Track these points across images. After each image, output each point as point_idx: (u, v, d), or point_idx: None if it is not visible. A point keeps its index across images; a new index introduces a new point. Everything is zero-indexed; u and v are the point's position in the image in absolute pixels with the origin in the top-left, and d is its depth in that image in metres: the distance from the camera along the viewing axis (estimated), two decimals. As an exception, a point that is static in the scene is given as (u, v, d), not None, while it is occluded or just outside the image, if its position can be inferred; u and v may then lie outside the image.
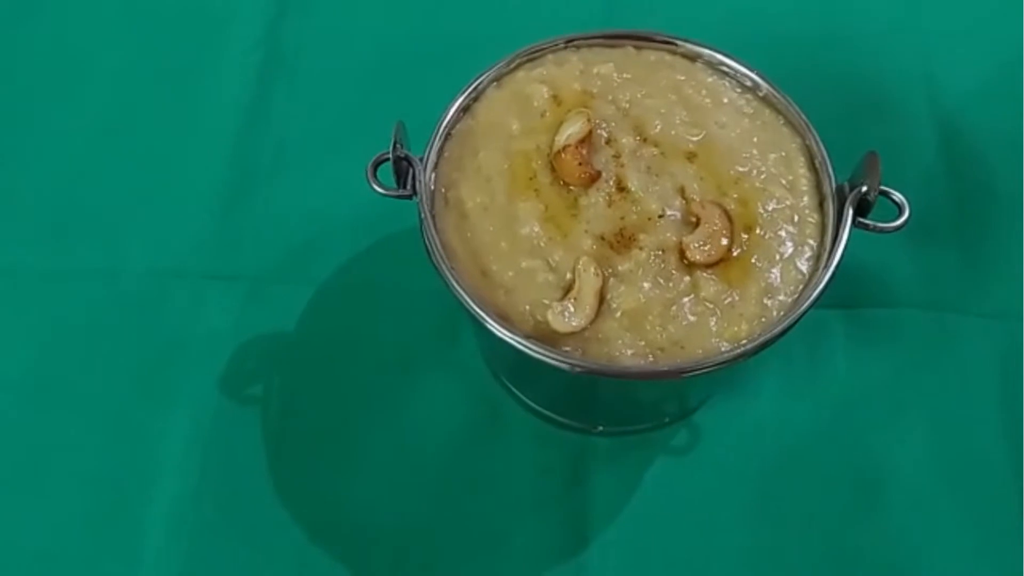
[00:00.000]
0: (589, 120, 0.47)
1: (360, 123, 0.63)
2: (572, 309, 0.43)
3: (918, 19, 0.70)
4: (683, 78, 0.50)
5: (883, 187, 0.45)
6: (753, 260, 0.45)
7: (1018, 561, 0.52)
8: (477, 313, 0.43)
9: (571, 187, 0.46)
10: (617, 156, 0.47)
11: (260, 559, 0.53)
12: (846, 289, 0.57)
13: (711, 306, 0.44)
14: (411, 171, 0.46)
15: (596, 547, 0.53)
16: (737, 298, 0.44)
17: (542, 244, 0.45)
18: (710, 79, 0.51)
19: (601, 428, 0.56)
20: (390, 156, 0.45)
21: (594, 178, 0.46)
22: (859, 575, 0.53)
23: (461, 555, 0.53)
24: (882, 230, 0.45)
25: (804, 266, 0.45)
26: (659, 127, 0.48)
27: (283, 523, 0.53)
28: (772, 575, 0.53)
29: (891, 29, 0.70)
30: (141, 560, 0.52)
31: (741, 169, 0.47)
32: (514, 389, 0.56)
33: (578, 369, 0.42)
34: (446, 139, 0.48)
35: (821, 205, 0.47)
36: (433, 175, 0.47)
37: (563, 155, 0.46)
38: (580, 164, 0.46)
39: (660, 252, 0.45)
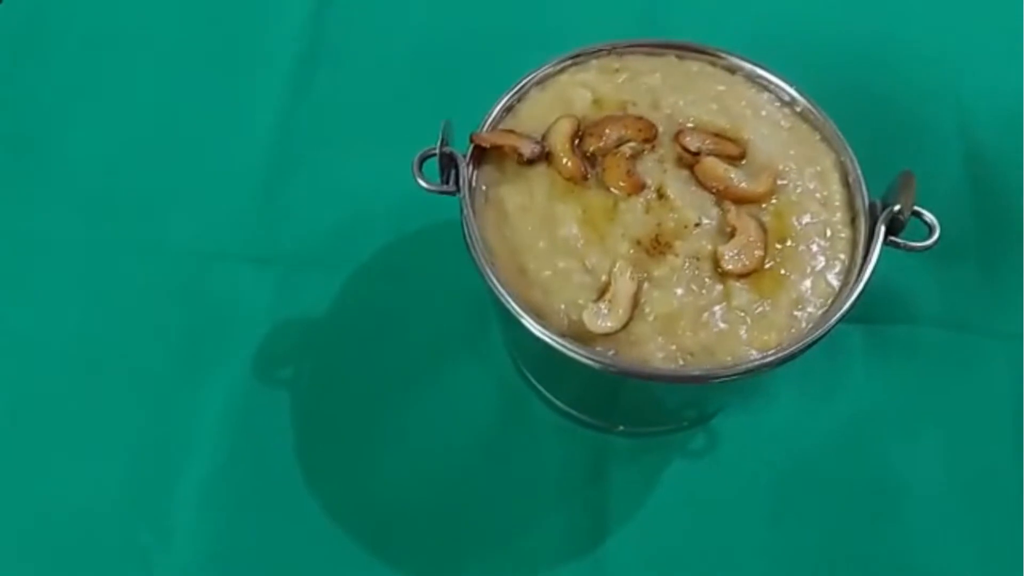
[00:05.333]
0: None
1: (399, 115, 0.64)
2: (607, 311, 0.44)
3: (950, 46, 0.71)
4: (724, 89, 0.51)
5: (916, 207, 0.46)
6: (784, 272, 0.46)
7: (1026, 578, 0.54)
8: (514, 309, 0.44)
9: (611, 190, 0.48)
10: (661, 162, 0.48)
11: (285, 536, 0.54)
12: (867, 305, 0.58)
13: (742, 315, 0.45)
14: (455, 167, 0.47)
15: (613, 542, 0.54)
16: (768, 308, 0.45)
17: (579, 246, 0.46)
18: (749, 91, 0.52)
19: (622, 428, 0.57)
20: (436, 152, 0.46)
21: (640, 187, 0.47)
22: (869, 584, 0.54)
23: (481, 542, 0.54)
24: (913, 249, 0.46)
25: (834, 280, 0.46)
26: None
27: (308, 503, 0.55)
28: (782, 578, 0.54)
29: (925, 51, 0.71)
30: (172, 530, 0.53)
31: (778, 182, 0.48)
32: (539, 386, 0.57)
33: (611, 369, 0.43)
34: (490, 137, 0.49)
35: (853, 221, 0.48)
36: (475, 173, 0.48)
37: (610, 162, 0.47)
38: (628, 173, 0.47)
39: (695, 259, 0.46)
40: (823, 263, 0.47)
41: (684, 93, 0.51)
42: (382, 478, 0.55)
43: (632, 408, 0.56)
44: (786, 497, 0.55)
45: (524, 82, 0.51)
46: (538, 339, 0.44)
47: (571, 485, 0.56)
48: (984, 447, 0.57)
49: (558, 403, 0.57)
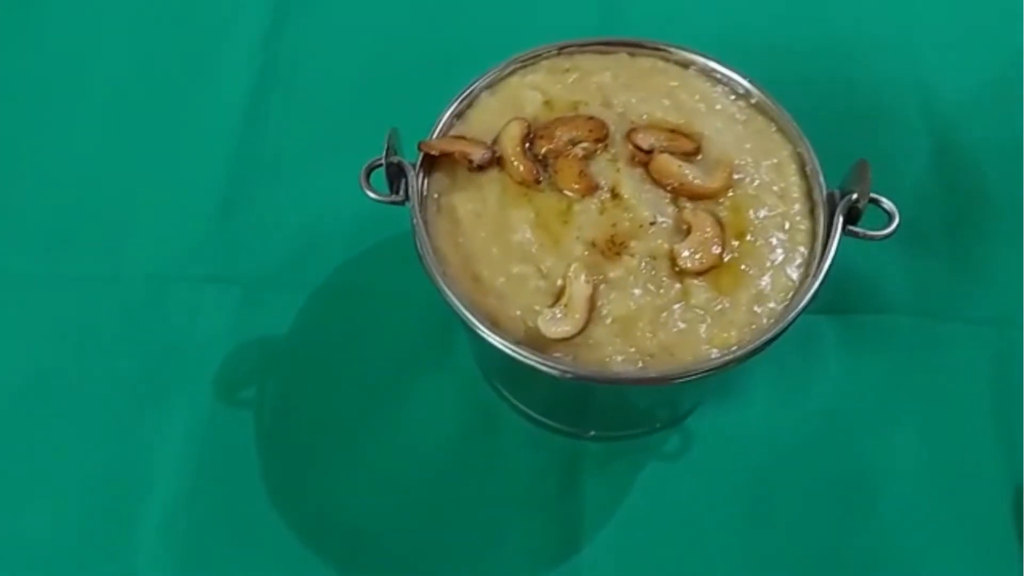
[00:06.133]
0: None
1: (355, 129, 0.62)
2: (563, 315, 0.43)
3: (912, 28, 0.71)
4: (676, 84, 0.51)
5: (873, 195, 0.45)
6: (744, 267, 0.45)
7: (1010, 565, 0.53)
8: (468, 319, 0.43)
9: (564, 192, 0.47)
10: (614, 161, 0.48)
11: (254, 562, 0.53)
12: (838, 295, 0.58)
13: (701, 313, 0.44)
14: (404, 177, 0.46)
15: (588, 550, 0.53)
16: (727, 305, 0.44)
17: (533, 250, 0.45)
18: (703, 85, 0.51)
19: (593, 433, 0.56)
20: (383, 162, 0.45)
21: (594, 188, 0.46)
22: (849, 580, 0.53)
23: (455, 558, 0.54)
24: (872, 238, 0.45)
25: (794, 273, 0.46)
26: (653, 133, 0.48)
27: (277, 526, 0.54)
28: (762, 579, 0.53)
29: (886, 37, 0.71)
30: (136, 563, 0.53)
31: (734, 176, 0.47)
32: (507, 394, 0.56)
33: (568, 375, 0.42)
34: (439, 145, 0.48)
35: (812, 212, 0.47)
36: (426, 181, 0.48)
37: (562, 164, 0.46)
38: (580, 174, 0.46)
39: (651, 259, 0.45)
40: (782, 256, 0.46)
41: (636, 90, 0.50)
42: (352, 496, 0.55)
43: (602, 412, 0.55)
44: (762, 495, 0.55)
45: (473, 87, 0.50)
46: (495, 348, 0.43)
47: (545, 494, 0.55)
48: (959, 435, 0.56)
49: (528, 411, 0.56)
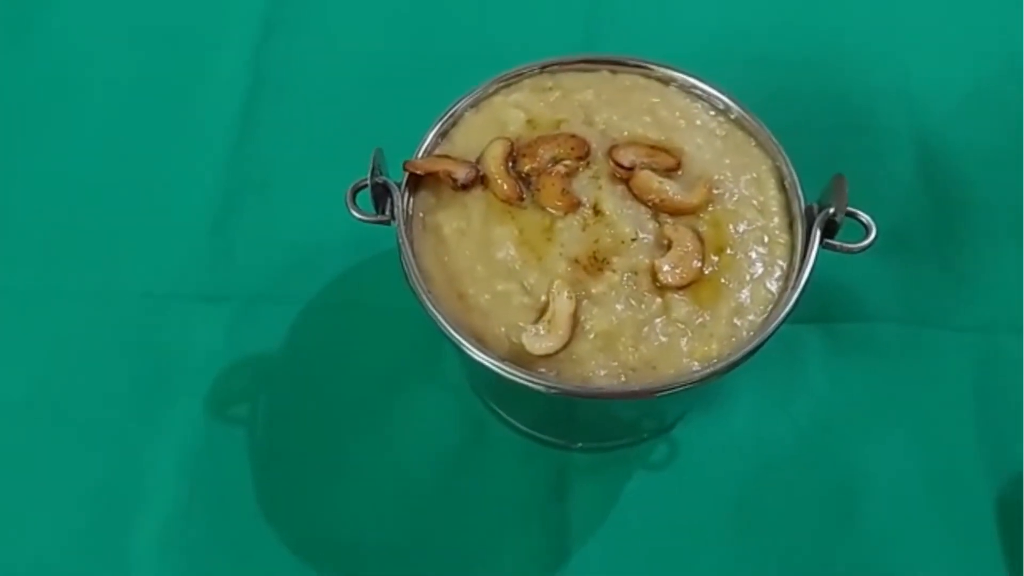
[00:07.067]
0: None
1: (344, 146, 0.62)
2: (546, 332, 0.44)
3: (896, 38, 0.72)
4: (657, 100, 0.51)
5: (850, 208, 0.46)
6: (724, 281, 0.46)
7: (995, 570, 0.53)
8: (454, 336, 0.44)
9: (547, 209, 0.47)
10: (596, 178, 0.48)
11: (248, 576, 0.54)
12: (822, 304, 0.59)
13: (682, 327, 0.45)
14: (389, 196, 0.47)
15: (577, 560, 0.54)
16: (708, 318, 0.45)
17: (517, 267, 0.46)
18: (683, 102, 0.52)
19: (581, 444, 0.57)
20: (368, 183, 0.46)
21: (576, 205, 0.47)
22: (837, 587, 0.54)
23: (447, 570, 0.54)
24: (848, 250, 0.46)
25: (774, 286, 0.46)
26: (634, 150, 0.49)
27: (271, 541, 0.54)
28: (751, 587, 0.54)
29: (869, 48, 0.71)
30: (131, 579, 0.53)
31: (714, 191, 0.48)
32: (496, 408, 0.57)
33: (552, 391, 0.43)
34: (424, 164, 0.49)
35: (791, 226, 0.48)
36: (411, 200, 0.48)
37: (545, 182, 0.47)
38: (563, 191, 0.47)
39: (633, 274, 0.46)
40: (762, 270, 0.46)
41: (617, 107, 0.51)
42: (344, 511, 0.55)
43: (590, 424, 0.56)
44: (750, 503, 0.55)
45: (457, 106, 0.50)
46: (481, 364, 0.44)
47: (533, 506, 0.55)
48: (946, 441, 0.57)
49: (517, 424, 0.57)
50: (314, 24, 0.72)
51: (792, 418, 0.58)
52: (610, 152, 0.48)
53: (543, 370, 0.44)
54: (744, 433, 0.57)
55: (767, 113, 0.50)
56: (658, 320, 0.45)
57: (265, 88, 0.69)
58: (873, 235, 0.46)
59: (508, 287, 0.46)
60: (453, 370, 0.59)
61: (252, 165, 0.66)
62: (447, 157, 0.49)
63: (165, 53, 0.71)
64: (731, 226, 0.47)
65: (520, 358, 0.44)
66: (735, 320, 0.45)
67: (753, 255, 0.47)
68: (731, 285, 0.46)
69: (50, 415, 0.58)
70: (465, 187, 0.48)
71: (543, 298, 0.45)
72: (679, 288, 0.45)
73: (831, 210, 0.45)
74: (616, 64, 0.53)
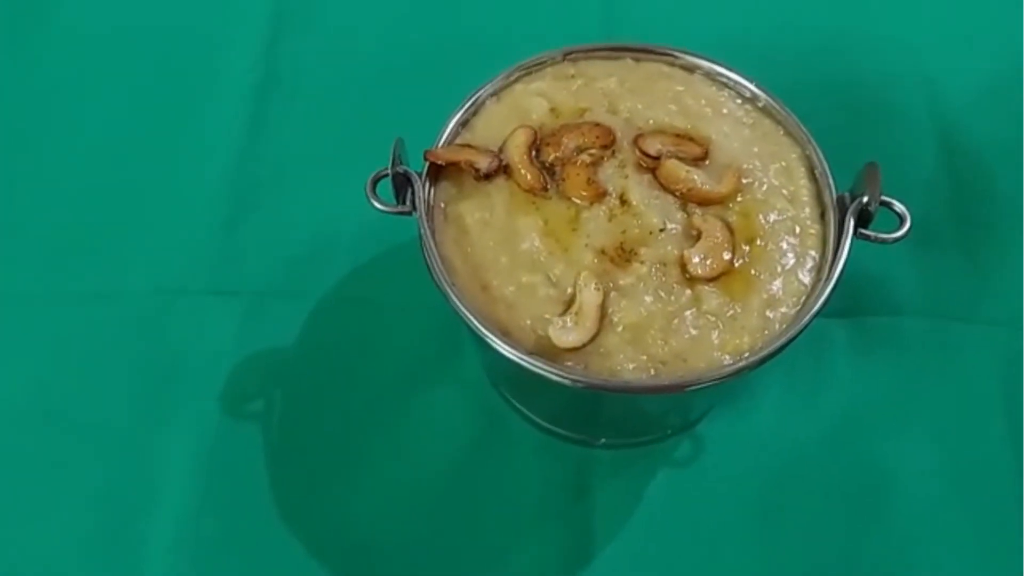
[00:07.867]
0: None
1: (359, 139, 0.62)
2: (573, 324, 0.43)
3: (917, 27, 0.71)
4: (682, 89, 0.50)
5: (884, 197, 0.45)
6: (755, 272, 0.45)
7: (1020, 569, 0.52)
8: (478, 329, 0.43)
9: (572, 199, 0.46)
10: (622, 167, 0.47)
11: (264, 574, 0.52)
12: (849, 298, 0.57)
13: (713, 319, 0.44)
14: (410, 187, 0.46)
15: (600, 560, 0.53)
16: (739, 310, 0.44)
17: (542, 259, 0.45)
18: (709, 90, 0.51)
19: (604, 441, 0.55)
20: (389, 172, 0.45)
21: (602, 195, 0.46)
22: (864, 585, 0.53)
23: (466, 569, 0.53)
24: (884, 240, 0.45)
25: (806, 277, 0.45)
26: (660, 138, 0.48)
27: (286, 539, 0.53)
28: (777, 586, 0.53)
29: (891, 37, 0.70)
30: (145, 579, 0.52)
31: (743, 180, 0.47)
32: (516, 403, 0.56)
33: (580, 384, 0.42)
34: (445, 153, 0.48)
35: (822, 216, 0.47)
36: (432, 190, 0.47)
37: (570, 172, 0.46)
38: (588, 181, 0.46)
39: (661, 266, 0.45)
40: (793, 261, 0.45)
41: (642, 96, 0.50)
42: (359, 509, 0.54)
43: (613, 420, 0.55)
44: (775, 500, 0.54)
45: (478, 95, 0.50)
46: (505, 358, 0.43)
47: (555, 503, 0.54)
48: (974, 437, 0.56)
49: (537, 420, 0.56)
50: (327, 17, 0.71)
51: (818, 413, 0.56)
52: (636, 141, 0.47)
53: (570, 363, 0.43)
54: (769, 429, 0.56)
55: (786, 102, 0.50)
56: (688, 312, 0.44)
57: (277, 82, 0.68)
58: (908, 225, 0.45)
59: (533, 279, 0.45)
60: (470, 365, 0.58)
61: (264, 160, 0.65)
62: (469, 146, 0.48)
63: (177, 49, 0.70)
64: (761, 216, 0.46)
65: (546, 351, 0.43)
66: (767, 312, 0.44)
67: (784, 246, 0.46)
68: (762, 276, 0.45)
69: (61, 416, 0.56)
70: (488, 177, 0.47)
71: (569, 290, 0.44)
72: (709, 280, 0.44)
73: (865, 199, 0.44)
74: (640, 52, 0.52)
